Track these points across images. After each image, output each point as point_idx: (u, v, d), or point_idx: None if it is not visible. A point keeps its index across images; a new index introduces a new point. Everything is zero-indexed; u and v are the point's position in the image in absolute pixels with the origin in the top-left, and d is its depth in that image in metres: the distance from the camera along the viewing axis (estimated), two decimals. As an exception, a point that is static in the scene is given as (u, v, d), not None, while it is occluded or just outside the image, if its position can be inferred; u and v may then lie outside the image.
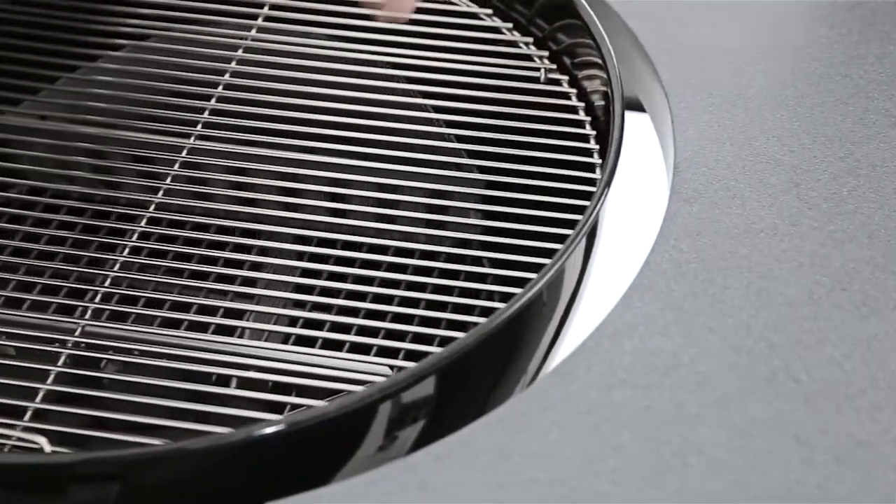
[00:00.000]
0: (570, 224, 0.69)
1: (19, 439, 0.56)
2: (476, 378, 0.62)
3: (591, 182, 0.74)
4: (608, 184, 0.68)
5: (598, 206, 0.67)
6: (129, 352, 0.68)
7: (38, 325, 0.67)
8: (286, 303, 0.79)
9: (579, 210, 0.71)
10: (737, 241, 0.66)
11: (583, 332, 0.61)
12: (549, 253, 0.68)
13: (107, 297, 0.70)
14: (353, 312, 0.72)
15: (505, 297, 0.65)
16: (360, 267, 0.73)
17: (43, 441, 0.55)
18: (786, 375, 0.59)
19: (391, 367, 0.67)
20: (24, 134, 0.83)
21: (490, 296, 0.70)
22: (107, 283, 0.70)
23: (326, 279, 0.74)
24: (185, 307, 0.71)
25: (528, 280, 0.64)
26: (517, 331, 0.63)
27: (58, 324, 0.67)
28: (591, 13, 0.79)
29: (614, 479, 0.55)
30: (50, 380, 0.64)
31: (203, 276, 0.73)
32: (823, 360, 0.61)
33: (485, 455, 0.55)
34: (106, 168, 0.80)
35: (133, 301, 0.72)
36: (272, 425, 0.56)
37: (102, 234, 0.77)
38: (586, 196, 0.72)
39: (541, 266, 0.66)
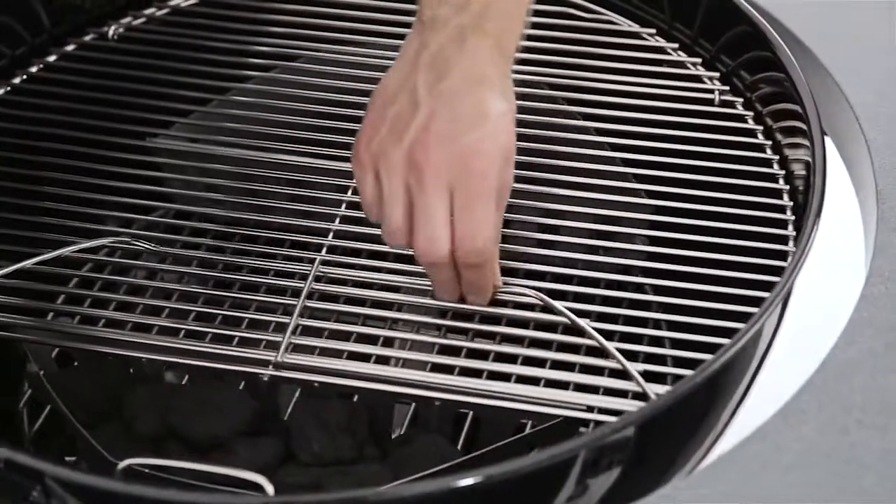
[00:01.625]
0: (777, 254, 0.66)
1: (241, 479, 0.54)
2: (699, 415, 0.59)
3: (780, 209, 0.71)
4: (818, 214, 0.65)
5: (808, 246, 0.64)
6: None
7: (227, 356, 0.65)
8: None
9: (775, 239, 0.69)
10: (956, 272, 0.63)
11: (806, 368, 0.58)
12: (758, 285, 0.65)
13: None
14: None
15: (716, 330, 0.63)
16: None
17: (262, 480, 0.53)
18: None
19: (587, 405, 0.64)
20: (173, 157, 0.81)
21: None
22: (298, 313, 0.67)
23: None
24: (372, 339, 0.69)
25: (749, 315, 0.62)
26: (736, 368, 0.60)
27: (250, 355, 0.64)
28: (773, 32, 0.76)
29: (863, 525, 0.52)
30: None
31: (387, 306, 0.71)
32: None
33: (723, 499, 0.53)
34: (260, 192, 0.77)
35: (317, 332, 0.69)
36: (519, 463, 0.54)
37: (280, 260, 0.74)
38: (778, 224, 0.70)
39: (752, 299, 0.64)
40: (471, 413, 0.74)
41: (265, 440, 0.67)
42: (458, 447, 0.73)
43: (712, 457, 0.57)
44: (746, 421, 0.59)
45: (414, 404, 0.75)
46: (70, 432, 0.74)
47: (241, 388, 0.73)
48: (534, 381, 0.67)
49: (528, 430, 0.68)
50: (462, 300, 0.67)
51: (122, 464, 0.54)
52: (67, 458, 0.73)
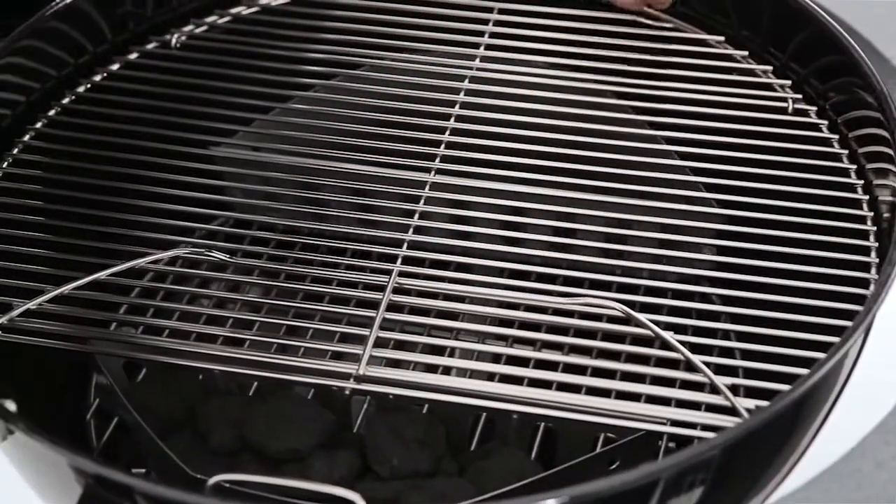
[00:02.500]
0: (858, 265, 0.65)
1: (328, 495, 0.53)
2: (789, 431, 0.58)
3: (861, 220, 0.70)
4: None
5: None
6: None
7: (304, 368, 0.64)
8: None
9: (856, 250, 0.68)
10: None
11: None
12: (838, 296, 0.64)
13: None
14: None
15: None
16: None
17: (357, 497, 0.52)
18: None
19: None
20: (236, 165, 0.80)
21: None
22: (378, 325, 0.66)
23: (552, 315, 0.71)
24: (440, 350, 0.68)
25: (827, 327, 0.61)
26: (828, 383, 0.59)
27: (335, 368, 0.63)
28: (847, 37, 0.75)
29: (967, 543, 0.51)
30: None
31: (454, 316, 0.70)
32: None
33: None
34: (324, 201, 0.77)
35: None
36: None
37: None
38: (859, 234, 0.69)
39: (829, 310, 0.63)
40: (542, 425, 0.73)
41: (341, 453, 0.66)
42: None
43: (806, 474, 0.56)
44: (836, 438, 0.58)
45: (484, 416, 0.74)
46: (138, 444, 0.73)
47: (308, 398, 0.72)
48: (604, 392, 0.66)
49: (607, 445, 0.67)
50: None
51: (212, 480, 0.53)
52: (135, 470, 0.73)
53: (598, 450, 0.69)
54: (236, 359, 0.65)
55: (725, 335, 0.72)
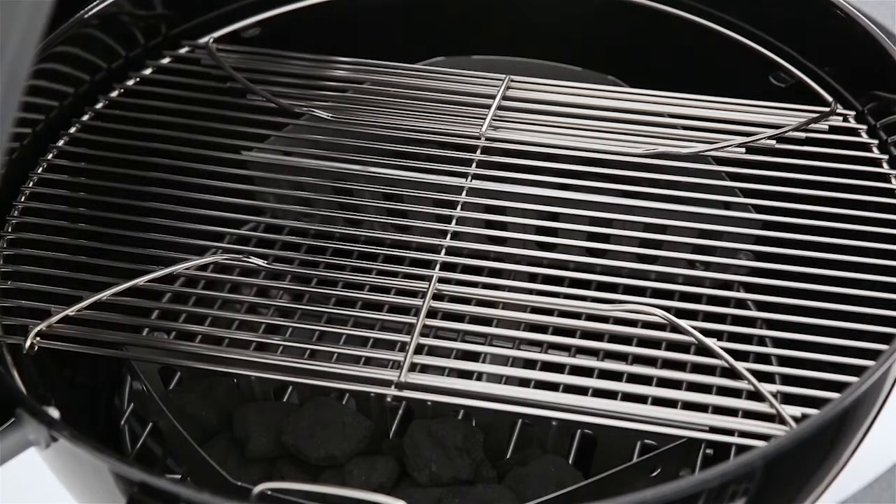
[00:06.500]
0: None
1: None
2: (835, 440, 0.58)
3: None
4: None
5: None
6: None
7: (350, 376, 0.64)
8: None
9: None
10: None
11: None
12: (881, 303, 0.64)
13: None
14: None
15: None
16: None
17: (402, 505, 0.52)
18: None
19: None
20: (267, 170, 0.80)
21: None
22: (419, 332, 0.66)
23: (586, 320, 0.70)
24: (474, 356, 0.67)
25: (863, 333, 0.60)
26: (875, 392, 0.59)
27: (376, 375, 0.63)
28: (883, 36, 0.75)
29: None
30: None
31: (486, 322, 0.69)
32: None
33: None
34: (356, 205, 0.76)
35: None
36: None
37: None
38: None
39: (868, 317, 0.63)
40: (580, 430, 0.73)
41: (380, 460, 0.65)
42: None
43: (847, 487, 0.55)
44: (879, 451, 0.57)
45: (520, 422, 0.73)
46: (172, 450, 0.73)
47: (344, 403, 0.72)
48: (641, 398, 0.66)
49: (645, 450, 0.67)
50: None
51: (258, 489, 0.53)
52: (169, 476, 0.72)
53: (637, 455, 0.68)
54: (274, 365, 0.64)
55: (761, 341, 0.72)
